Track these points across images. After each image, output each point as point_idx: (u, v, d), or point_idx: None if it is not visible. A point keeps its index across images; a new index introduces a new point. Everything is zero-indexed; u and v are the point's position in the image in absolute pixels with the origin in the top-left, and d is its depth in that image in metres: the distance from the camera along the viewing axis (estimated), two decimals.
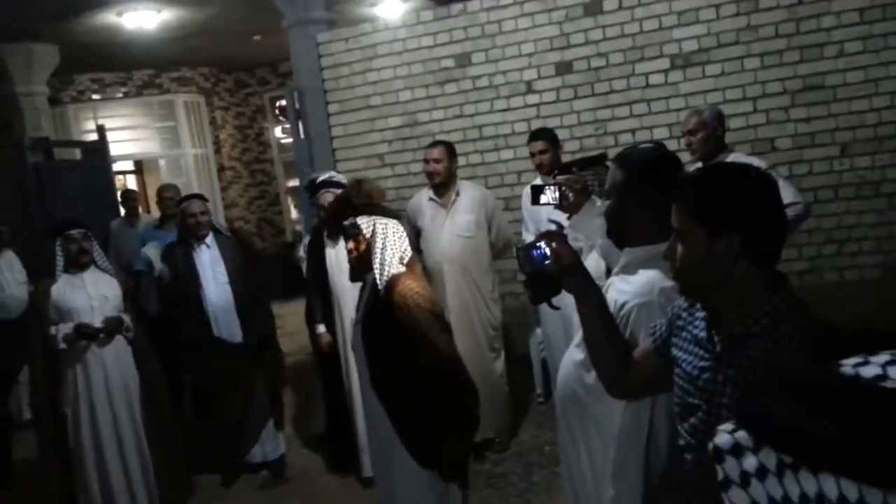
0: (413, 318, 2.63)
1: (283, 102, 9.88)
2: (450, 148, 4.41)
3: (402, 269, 2.79)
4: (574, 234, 2.39)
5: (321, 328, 4.18)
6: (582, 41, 5.14)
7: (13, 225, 5.55)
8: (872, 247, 4.74)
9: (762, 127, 4.82)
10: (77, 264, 3.90)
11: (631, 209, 1.92)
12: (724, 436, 0.69)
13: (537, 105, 5.29)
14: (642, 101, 5.04)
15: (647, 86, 5.02)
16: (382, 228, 2.77)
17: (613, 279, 2.02)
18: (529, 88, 5.31)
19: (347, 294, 3.98)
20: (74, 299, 3.83)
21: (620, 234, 2.01)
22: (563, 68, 5.20)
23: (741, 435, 0.67)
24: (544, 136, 4.38)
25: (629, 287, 1.91)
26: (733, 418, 0.72)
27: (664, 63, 4.97)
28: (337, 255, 4.09)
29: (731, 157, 3.66)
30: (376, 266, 2.74)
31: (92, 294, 3.87)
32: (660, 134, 4.92)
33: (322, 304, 4.19)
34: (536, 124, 5.14)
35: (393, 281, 2.72)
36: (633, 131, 5.07)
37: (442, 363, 2.65)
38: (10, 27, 6.68)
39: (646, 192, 1.88)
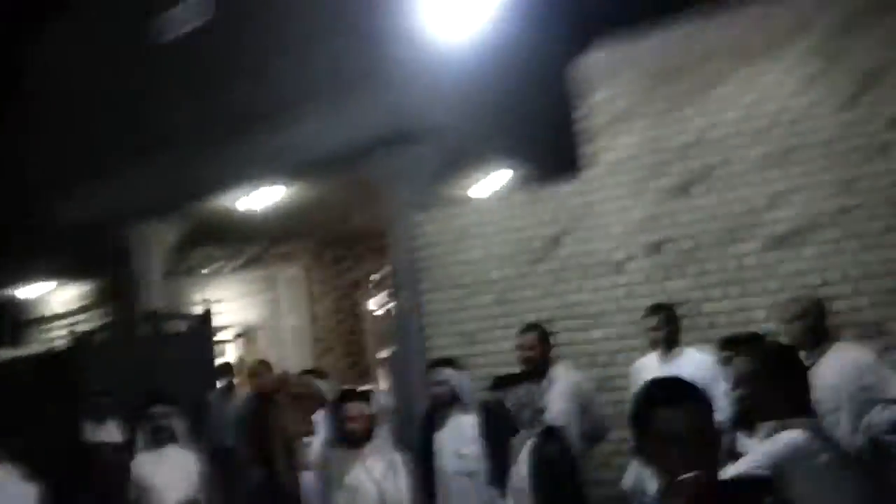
0: None
1: (378, 277, 10.23)
2: (543, 333, 4.40)
3: None
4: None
5: None
6: (670, 223, 5.20)
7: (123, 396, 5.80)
8: None
9: (866, 310, 4.63)
10: (159, 441, 4.00)
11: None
12: None
13: (627, 285, 5.29)
14: (737, 283, 4.96)
15: (741, 266, 4.97)
16: None
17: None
18: (619, 268, 5.33)
19: (452, 482, 3.98)
20: (155, 476, 3.90)
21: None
22: (652, 249, 5.23)
23: None
24: (660, 311, 4.33)
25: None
26: None
27: (757, 244, 4.93)
28: (443, 438, 4.06)
29: (836, 346, 3.51)
30: None
31: (172, 470, 3.94)
32: (757, 316, 4.78)
33: (425, 483, 4.07)
34: (626, 304, 5.12)
35: None
36: (727, 313, 4.95)
37: None
38: (135, 212, 7.38)
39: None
